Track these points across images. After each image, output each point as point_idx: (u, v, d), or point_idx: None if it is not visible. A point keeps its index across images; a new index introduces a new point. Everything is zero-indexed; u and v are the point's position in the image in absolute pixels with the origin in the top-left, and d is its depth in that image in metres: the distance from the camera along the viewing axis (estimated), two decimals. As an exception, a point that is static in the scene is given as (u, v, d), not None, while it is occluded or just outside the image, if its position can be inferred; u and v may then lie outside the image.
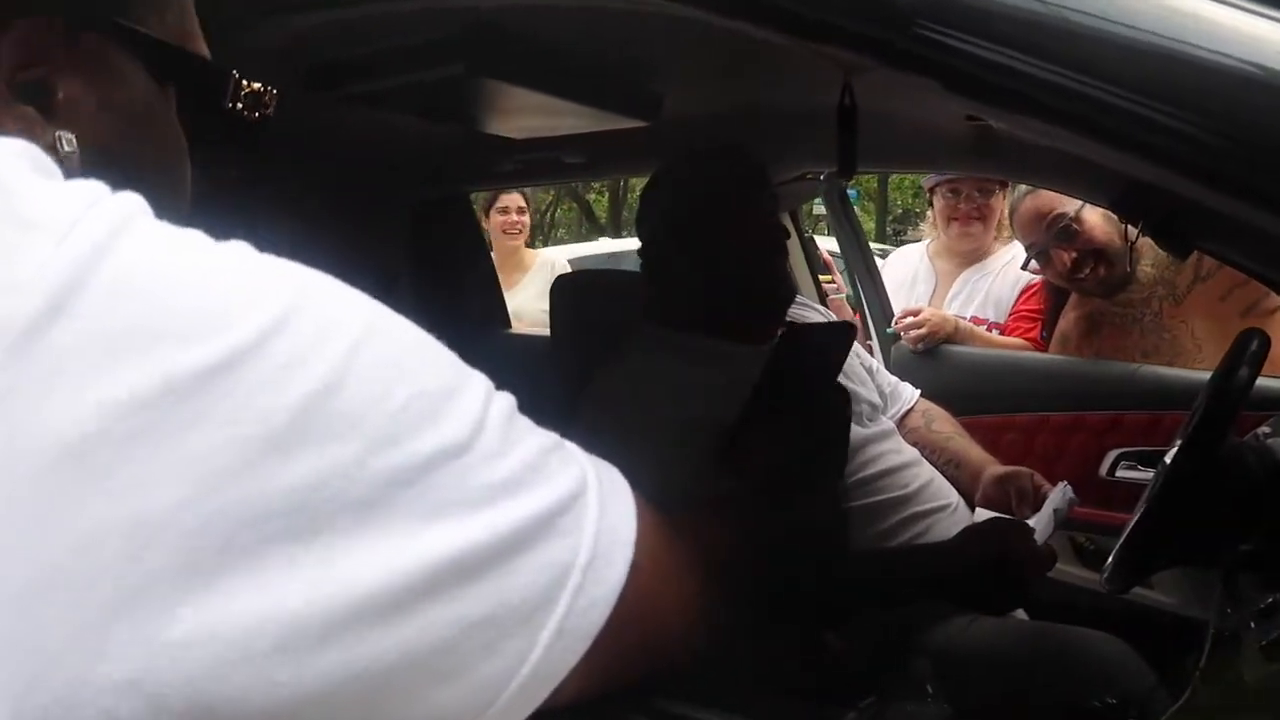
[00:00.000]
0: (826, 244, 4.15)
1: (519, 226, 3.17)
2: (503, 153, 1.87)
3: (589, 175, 2.55)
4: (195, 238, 0.36)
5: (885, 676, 1.16)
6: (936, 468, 1.54)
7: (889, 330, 2.27)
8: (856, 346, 1.69)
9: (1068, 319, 2.16)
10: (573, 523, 0.40)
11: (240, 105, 0.53)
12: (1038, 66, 0.49)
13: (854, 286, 2.47)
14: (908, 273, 2.55)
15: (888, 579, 1.19)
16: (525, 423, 0.41)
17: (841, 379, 1.49)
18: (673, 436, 1.14)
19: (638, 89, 1.43)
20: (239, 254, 0.37)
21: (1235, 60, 0.50)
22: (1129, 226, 1.67)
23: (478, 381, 0.40)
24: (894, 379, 1.74)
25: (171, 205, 0.45)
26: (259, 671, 0.32)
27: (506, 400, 0.41)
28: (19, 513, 0.30)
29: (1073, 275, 2.04)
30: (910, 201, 16.27)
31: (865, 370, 1.62)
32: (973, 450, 1.61)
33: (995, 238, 2.49)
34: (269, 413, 0.32)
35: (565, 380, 1.54)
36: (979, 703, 1.13)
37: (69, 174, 0.39)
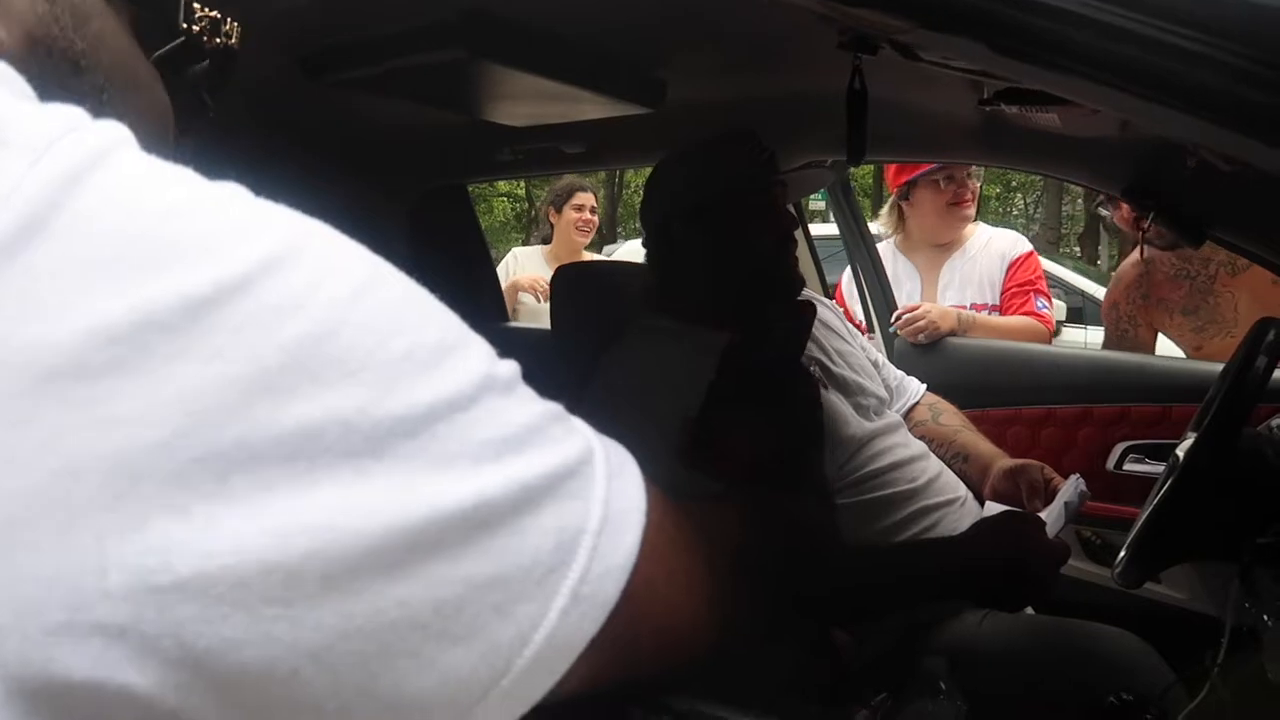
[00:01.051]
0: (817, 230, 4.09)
1: (591, 225, 3.26)
2: (501, 142, 1.85)
3: (589, 165, 2.52)
4: (187, 173, 0.35)
5: (897, 673, 1.14)
6: (944, 461, 1.52)
7: (890, 328, 2.25)
8: (862, 340, 1.67)
9: (1130, 259, 2.24)
10: (580, 487, 0.38)
11: (197, 29, 0.51)
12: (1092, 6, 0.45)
13: (855, 277, 2.44)
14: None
15: (901, 575, 1.16)
16: (529, 391, 0.40)
17: (850, 373, 1.47)
18: (679, 429, 1.11)
19: (640, 75, 1.40)
20: (235, 192, 0.35)
21: None
22: (1140, 214, 1.66)
23: (480, 343, 0.38)
24: (900, 373, 1.72)
25: (153, 139, 0.43)
26: (253, 622, 0.30)
27: (511, 366, 0.39)
28: None
29: (1136, 222, 2.06)
30: (905, 197, 16.25)
31: (871, 364, 1.60)
32: (981, 444, 1.59)
33: None
34: (259, 353, 0.31)
35: (566, 373, 1.52)
36: (993, 699, 1.11)
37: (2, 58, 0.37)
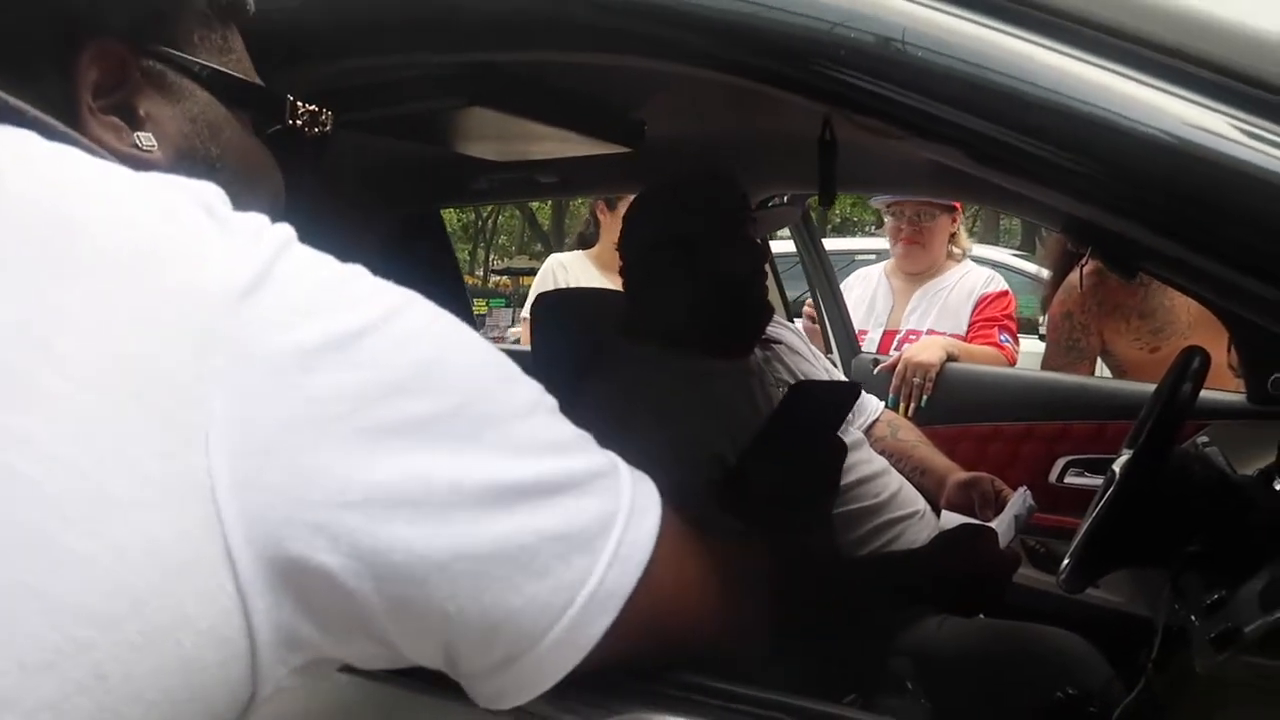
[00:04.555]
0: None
1: None
2: (477, 172, 1.91)
3: (562, 193, 2.58)
4: (329, 257, 0.50)
5: (865, 675, 1.22)
6: (903, 474, 1.62)
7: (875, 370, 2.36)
8: (825, 361, 1.77)
9: (1080, 270, 2.25)
10: (613, 484, 0.54)
11: (300, 124, 0.67)
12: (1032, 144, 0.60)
13: (815, 300, 2.55)
14: (867, 292, 2.65)
15: (874, 585, 1.25)
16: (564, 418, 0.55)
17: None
18: (658, 452, 1.19)
19: (622, 117, 1.48)
20: (359, 269, 0.50)
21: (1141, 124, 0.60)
22: (1077, 249, 1.77)
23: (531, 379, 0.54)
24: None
25: (267, 208, 0.56)
26: (401, 531, 0.46)
27: (552, 399, 0.54)
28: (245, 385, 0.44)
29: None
30: (849, 210, 16.56)
31: (834, 384, 1.69)
32: (937, 458, 1.70)
33: (949, 256, 2.60)
34: (395, 366, 0.47)
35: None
36: (953, 698, 1.20)
37: (154, 169, 0.52)
